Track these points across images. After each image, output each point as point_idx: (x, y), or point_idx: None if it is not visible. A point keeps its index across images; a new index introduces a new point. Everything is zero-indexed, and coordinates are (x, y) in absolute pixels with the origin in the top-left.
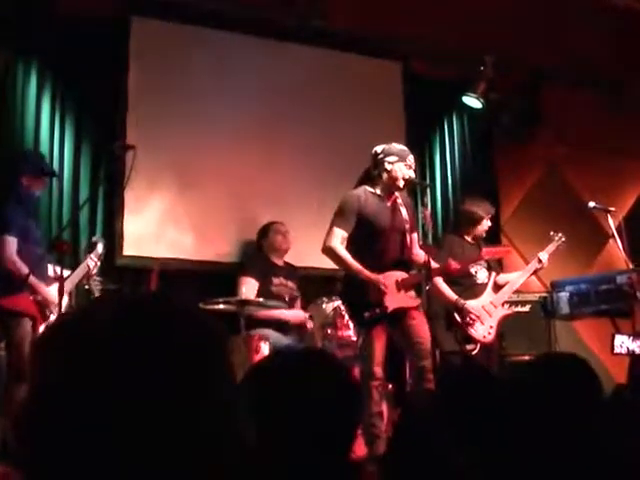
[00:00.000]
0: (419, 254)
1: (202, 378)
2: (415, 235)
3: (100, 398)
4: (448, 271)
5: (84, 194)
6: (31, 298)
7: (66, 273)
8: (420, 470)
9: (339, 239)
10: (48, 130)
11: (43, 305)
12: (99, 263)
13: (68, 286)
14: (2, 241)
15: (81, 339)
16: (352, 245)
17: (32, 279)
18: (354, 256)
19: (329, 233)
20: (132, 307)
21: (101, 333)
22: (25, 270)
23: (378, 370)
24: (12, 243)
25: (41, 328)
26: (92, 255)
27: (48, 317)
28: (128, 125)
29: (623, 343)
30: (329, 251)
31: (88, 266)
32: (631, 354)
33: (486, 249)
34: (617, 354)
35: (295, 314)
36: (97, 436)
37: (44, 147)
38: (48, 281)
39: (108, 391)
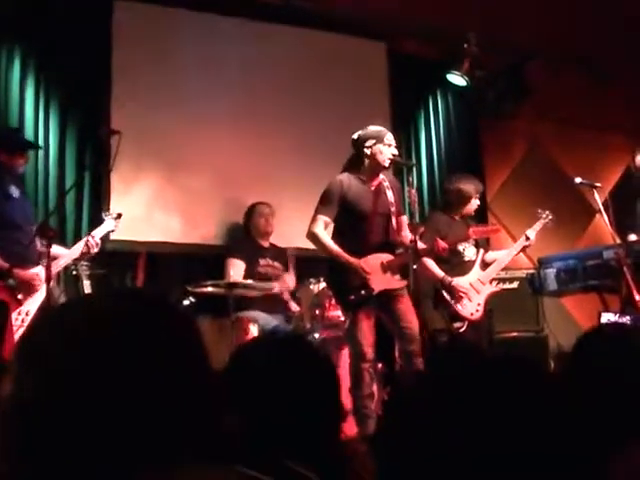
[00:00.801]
0: (407, 236)
1: (183, 368)
2: (404, 218)
3: (85, 391)
4: (436, 251)
5: (70, 179)
6: None
7: (61, 251)
8: (410, 448)
9: (322, 225)
10: (32, 116)
11: (15, 289)
12: (99, 244)
13: (64, 262)
14: None
15: (62, 338)
16: (337, 230)
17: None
18: (339, 241)
19: (313, 219)
20: (103, 308)
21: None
22: None
23: (369, 351)
24: None
25: (15, 313)
26: (97, 231)
27: (21, 301)
28: (113, 109)
29: (610, 320)
30: (312, 237)
31: (88, 244)
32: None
33: (474, 228)
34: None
35: (283, 284)
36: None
37: (29, 133)
38: (36, 261)
39: (92, 384)
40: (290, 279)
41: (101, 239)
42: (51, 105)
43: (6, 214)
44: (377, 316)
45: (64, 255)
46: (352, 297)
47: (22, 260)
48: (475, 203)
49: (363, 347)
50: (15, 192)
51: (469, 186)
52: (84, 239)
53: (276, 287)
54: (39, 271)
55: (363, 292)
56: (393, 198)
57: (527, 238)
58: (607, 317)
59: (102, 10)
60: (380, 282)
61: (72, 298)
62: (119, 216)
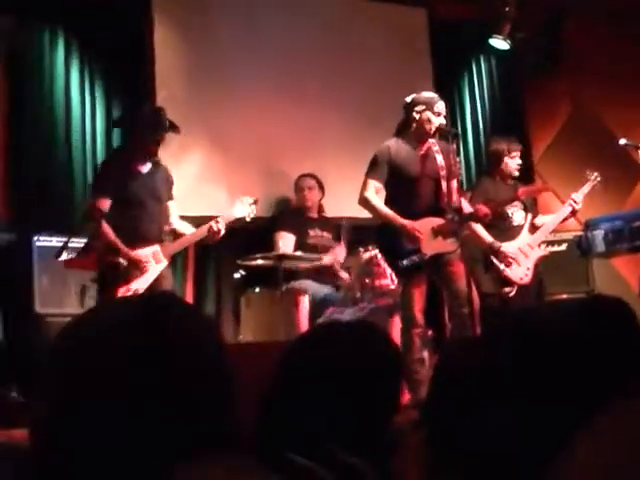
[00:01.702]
0: (458, 201)
1: (202, 371)
2: (455, 182)
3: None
4: (478, 217)
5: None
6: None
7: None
8: (458, 416)
9: (373, 189)
10: (79, 98)
11: (124, 267)
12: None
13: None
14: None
15: (91, 342)
16: (388, 195)
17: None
18: (390, 205)
19: (364, 185)
20: (134, 312)
21: (111, 336)
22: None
23: (419, 317)
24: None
25: (122, 290)
26: (224, 216)
27: (129, 280)
28: (157, 85)
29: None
30: (364, 202)
31: (211, 229)
32: None
33: (522, 189)
34: None
35: (332, 256)
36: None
37: (75, 115)
38: (157, 238)
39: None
40: (341, 251)
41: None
42: (96, 84)
43: (130, 191)
44: (429, 281)
45: (185, 238)
46: (404, 262)
47: (139, 238)
48: (514, 162)
49: (414, 312)
50: (145, 168)
51: (501, 144)
52: (208, 223)
53: (326, 259)
54: (153, 251)
55: (415, 257)
56: (443, 162)
57: (574, 202)
58: None
59: None
60: (432, 246)
61: (92, 307)
62: (255, 202)
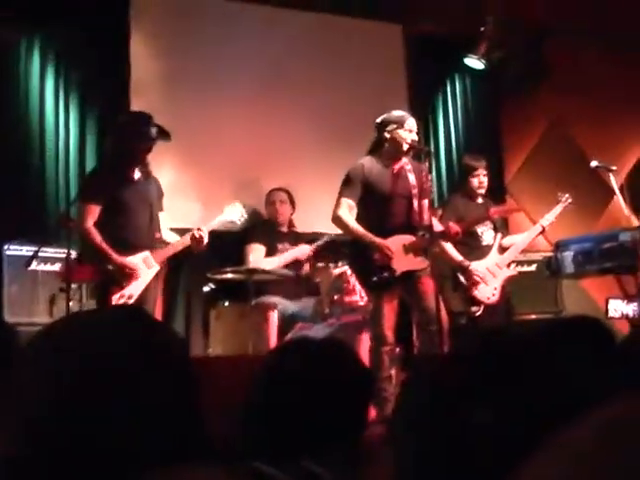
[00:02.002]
0: (431, 220)
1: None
2: (427, 201)
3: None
4: (449, 235)
5: (90, 167)
6: (92, 267)
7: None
8: (426, 430)
9: (346, 208)
10: (53, 105)
11: (114, 273)
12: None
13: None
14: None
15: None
16: (361, 213)
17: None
18: (362, 222)
19: (337, 203)
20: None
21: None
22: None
23: (389, 334)
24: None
25: (116, 296)
26: (211, 223)
27: (122, 285)
28: (132, 97)
29: (617, 307)
30: (337, 220)
31: (194, 237)
32: (625, 318)
33: (494, 208)
34: (611, 318)
35: (299, 250)
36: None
37: (49, 123)
38: (148, 245)
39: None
40: (305, 247)
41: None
42: (71, 94)
43: (121, 198)
44: (400, 298)
45: (173, 244)
46: (374, 279)
47: (129, 245)
48: (481, 178)
49: (384, 330)
50: (136, 174)
51: (469, 160)
52: (191, 231)
53: (293, 251)
54: (144, 257)
55: (386, 274)
56: (415, 181)
57: (542, 226)
58: (614, 304)
59: None
60: (402, 263)
61: (65, 316)
62: (244, 207)
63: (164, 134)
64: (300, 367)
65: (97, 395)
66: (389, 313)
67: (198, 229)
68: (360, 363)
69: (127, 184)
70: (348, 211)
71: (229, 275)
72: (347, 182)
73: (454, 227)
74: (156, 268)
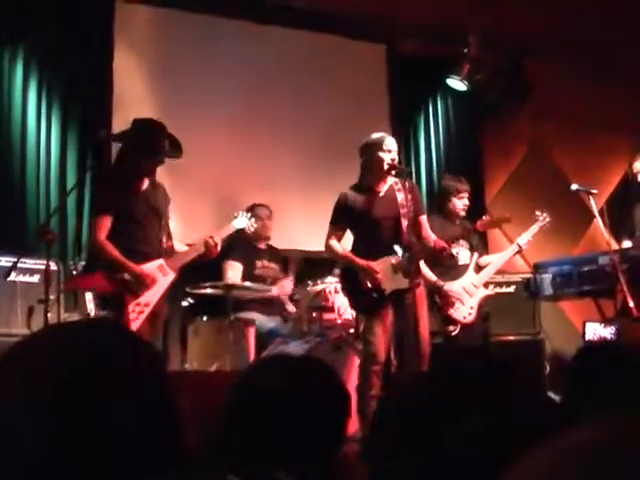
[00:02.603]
0: (429, 236)
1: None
2: (423, 217)
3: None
4: (435, 250)
5: (71, 181)
6: (104, 276)
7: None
8: (400, 449)
9: (334, 236)
10: (35, 117)
11: (130, 283)
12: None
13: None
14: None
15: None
16: (354, 239)
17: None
18: (354, 246)
19: (327, 233)
20: (80, 340)
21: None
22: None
23: (381, 354)
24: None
25: (131, 305)
26: (222, 231)
27: (138, 294)
28: (114, 111)
29: (596, 330)
30: (327, 249)
31: (208, 245)
32: (603, 341)
33: (480, 221)
34: (588, 342)
35: (281, 288)
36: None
37: (31, 135)
38: (158, 255)
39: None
40: (288, 284)
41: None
42: (53, 106)
43: (129, 209)
44: (392, 319)
45: (186, 251)
46: (363, 300)
47: (141, 255)
48: (461, 203)
49: (375, 348)
50: (144, 184)
51: (449, 183)
52: (204, 238)
53: (274, 290)
54: (158, 265)
55: (375, 294)
56: (405, 201)
57: (519, 245)
58: (592, 327)
59: (104, 12)
60: (391, 283)
61: (39, 330)
62: (252, 215)
63: (176, 149)
64: (276, 383)
65: (65, 410)
66: (381, 333)
67: (211, 236)
68: (337, 380)
69: (136, 194)
70: (337, 239)
71: (208, 290)
72: (333, 213)
73: (440, 242)
74: (172, 276)
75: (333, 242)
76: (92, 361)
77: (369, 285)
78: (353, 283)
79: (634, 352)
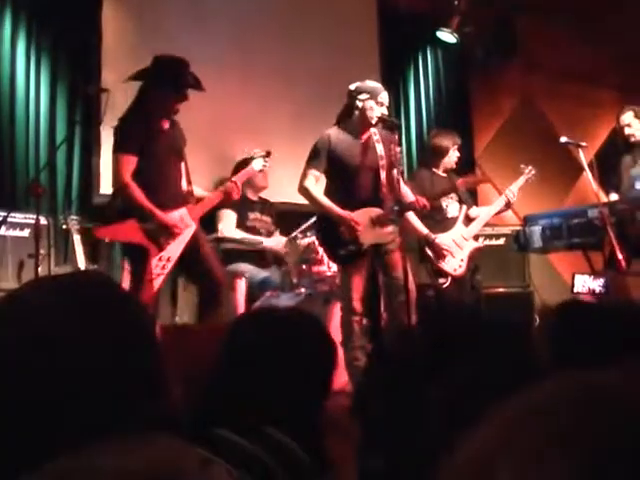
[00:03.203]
0: (405, 191)
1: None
2: (396, 171)
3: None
4: (417, 207)
5: (61, 134)
6: (137, 226)
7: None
8: (390, 402)
9: (313, 179)
10: (24, 71)
11: (156, 233)
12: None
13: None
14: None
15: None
16: (328, 185)
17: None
18: (330, 194)
19: (303, 174)
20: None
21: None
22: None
23: (357, 305)
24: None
25: (155, 259)
26: (239, 175)
27: (162, 246)
28: (103, 65)
29: (585, 282)
30: (303, 191)
31: (228, 189)
32: (592, 293)
33: (461, 179)
34: (577, 293)
35: (276, 242)
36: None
37: (20, 89)
38: (181, 202)
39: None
40: (279, 240)
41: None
42: (42, 60)
43: (152, 149)
44: (370, 271)
45: (207, 199)
46: (342, 252)
47: (167, 200)
48: (454, 155)
49: (352, 301)
50: (165, 125)
51: (444, 139)
52: (225, 185)
53: (265, 242)
54: (181, 214)
55: (353, 247)
56: (383, 152)
57: (507, 196)
58: (582, 279)
59: None
60: (369, 236)
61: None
62: (268, 154)
63: (199, 83)
64: (261, 336)
65: (40, 363)
66: (357, 285)
67: (233, 181)
68: (324, 332)
69: (159, 134)
70: (315, 182)
71: None
72: (314, 153)
73: (421, 200)
74: (193, 227)
75: (311, 185)
76: (76, 313)
77: (347, 237)
78: (331, 233)
79: (617, 306)
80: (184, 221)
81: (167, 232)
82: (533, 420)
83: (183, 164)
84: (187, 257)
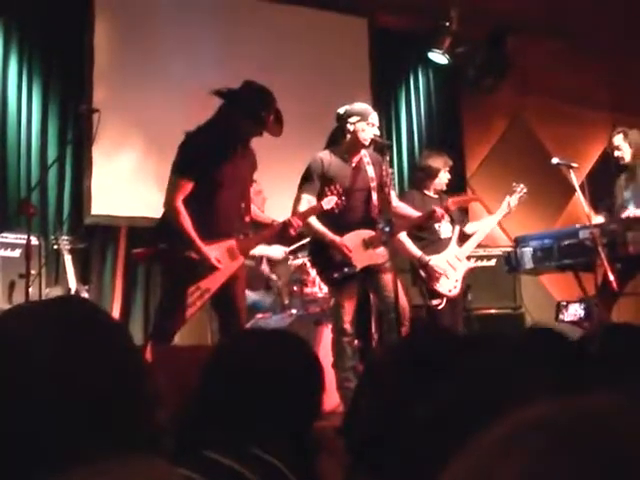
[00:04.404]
0: (400, 207)
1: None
2: (390, 191)
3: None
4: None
5: (52, 154)
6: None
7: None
8: (379, 422)
9: (306, 203)
10: (16, 91)
11: (196, 263)
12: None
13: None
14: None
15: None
16: None
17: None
18: (322, 217)
19: (296, 198)
20: (47, 319)
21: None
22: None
23: (348, 327)
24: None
25: (192, 287)
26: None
27: (201, 277)
28: (95, 85)
29: (567, 310)
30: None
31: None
32: (577, 321)
33: (452, 199)
34: (561, 321)
35: (276, 250)
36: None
37: (12, 108)
38: (233, 232)
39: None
40: (279, 249)
41: None
42: (34, 80)
43: (216, 177)
44: (361, 294)
45: (261, 234)
46: (335, 275)
47: (215, 233)
48: (445, 177)
49: (343, 322)
50: (236, 153)
51: (436, 160)
52: (287, 218)
53: (266, 250)
54: (228, 246)
55: (346, 270)
56: (374, 173)
57: (509, 206)
58: (573, 307)
59: None
60: (362, 259)
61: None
62: None
63: (279, 126)
64: (248, 357)
65: (21, 391)
66: (349, 307)
67: (294, 218)
68: (311, 353)
69: (225, 162)
70: (307, 206)
71: None
72: (306, 177)
73: (439, 210)
74: (241, 260)
75: (304, 209)
76: (59, 340)
77: (340, 260)
78: (323, 256)
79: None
80: (232, 253)
81: (206, 265)
82: (533, 435)
83: (245, 192)
84: (221, 290)
